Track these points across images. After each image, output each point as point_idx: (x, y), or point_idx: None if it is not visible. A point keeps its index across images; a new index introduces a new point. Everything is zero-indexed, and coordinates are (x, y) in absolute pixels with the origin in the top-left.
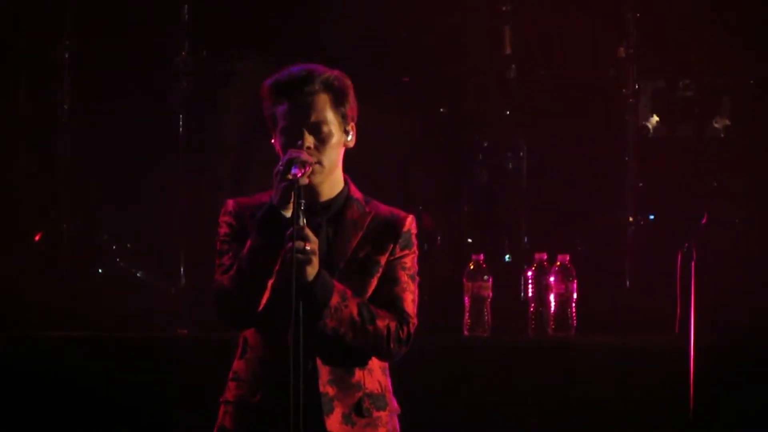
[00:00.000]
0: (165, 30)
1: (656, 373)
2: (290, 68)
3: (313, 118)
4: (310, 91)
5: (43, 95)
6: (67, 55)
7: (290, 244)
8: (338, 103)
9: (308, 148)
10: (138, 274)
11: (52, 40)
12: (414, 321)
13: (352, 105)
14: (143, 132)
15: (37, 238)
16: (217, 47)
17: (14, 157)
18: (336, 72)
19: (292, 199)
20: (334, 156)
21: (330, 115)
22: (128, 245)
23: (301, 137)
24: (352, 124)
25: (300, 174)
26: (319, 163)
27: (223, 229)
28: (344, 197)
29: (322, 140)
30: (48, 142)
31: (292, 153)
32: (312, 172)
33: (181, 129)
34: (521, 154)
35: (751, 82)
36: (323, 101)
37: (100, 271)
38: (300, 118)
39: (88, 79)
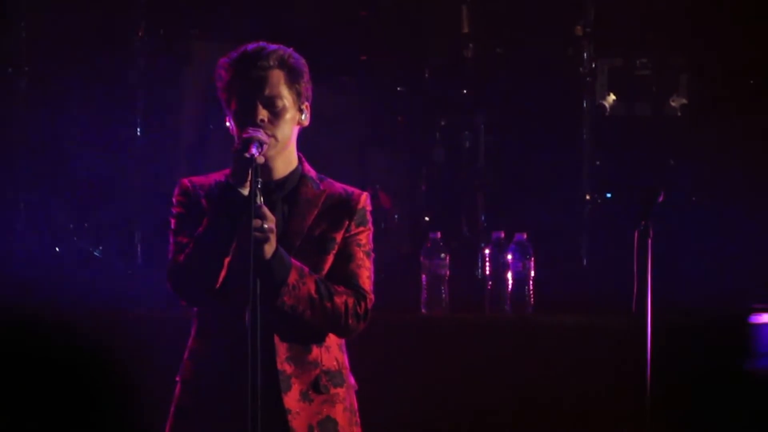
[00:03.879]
0: (123, 9)
1: (613, 351)
2: (244, 46)
3: (267, 92)
4: (264, 66)
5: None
6: (23, 34)
7: (247, 222)
8: (293, 80)
9: (262, 120)
10: (95, 253)
11: (8, 20)
12: (371, 297)
13: (306, 83)
14: (101, 110)
15: None
16: (175, 27)
17: None
18: (290, 50)
19: (249, 178)
20: (287, 131)
21: (284, 91)
22: (85, 224)
23: (255, 110)
24: (307, 103)
25: (257, 153)
26: (273, 136)
27: (177, 209)
28: (298, 175)
29: (276, 114)
30: (5, 120)
31: (250, 131)
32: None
33: (138, 108)
34: (479, 132)
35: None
36: (277, 76)
37: (57, 249)
38: (254, 91)
39: (45, 58)
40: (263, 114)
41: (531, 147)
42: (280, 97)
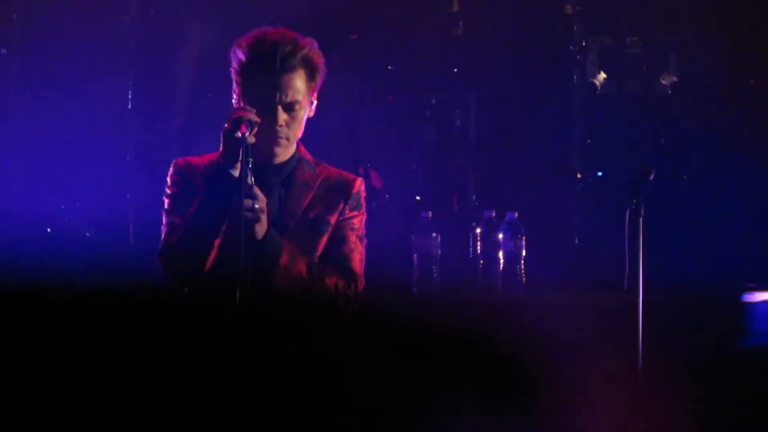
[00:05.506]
0: None
1: (605, 329)
2: (272, 34)
3: (289, 98)
4: (291, 67)
5: None
6: (15, 15)
7: (238, 202)
8: (312, 78)
9: (280, 126)
10: (87, 234)
11: None
12: (361, 280)
13: (322, 78)
14: (91, 91)
15: None
16: (166, 6)
17: None
18: (314, 44)
19: (240, 158)
20: (299, 129)
21: (303, 91)
22: (77, 204)
23: (275, 115)
24: (316, 94)
25: (248, 132)
26: (287, 138)
27: (171, 188)
28: (296, 159)
29: (293, 117)
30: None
31: (240, 112)
32: (279, 146)
33: (129, 88)
34: (469, 111)
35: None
36: (300, 77)
37: (48, 230)
38: (277, 95)
39: (35, 39)
40: (282, 119)
41: (522, 126)
42: (299, 100)
